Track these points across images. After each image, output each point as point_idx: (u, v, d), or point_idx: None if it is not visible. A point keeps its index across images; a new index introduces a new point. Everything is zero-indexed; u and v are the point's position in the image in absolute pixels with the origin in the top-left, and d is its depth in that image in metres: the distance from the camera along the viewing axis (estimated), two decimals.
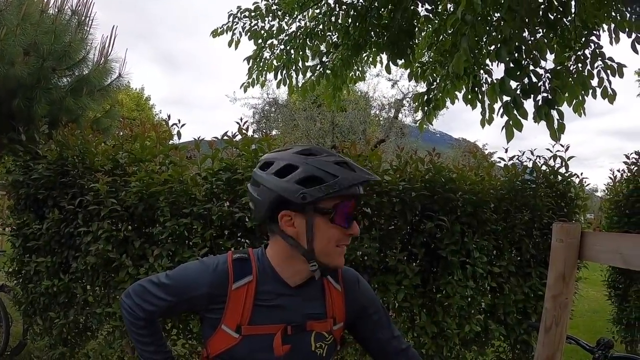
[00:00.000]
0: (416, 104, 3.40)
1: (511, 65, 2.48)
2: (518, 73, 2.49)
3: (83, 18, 5.53)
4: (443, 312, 3.10)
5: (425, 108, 3.31)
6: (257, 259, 1.26)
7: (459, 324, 3.13)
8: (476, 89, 3.04)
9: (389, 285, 3.03)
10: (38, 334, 3.66)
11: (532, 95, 2.52)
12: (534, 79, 2.57)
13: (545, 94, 2.59)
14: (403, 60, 3.47)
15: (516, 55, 2.50)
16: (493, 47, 2.76)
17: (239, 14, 3.99)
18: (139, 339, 1.31)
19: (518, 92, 2.49)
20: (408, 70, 3.68)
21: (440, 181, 3.09)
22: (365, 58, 3.94)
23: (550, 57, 3.12)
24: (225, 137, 3.04)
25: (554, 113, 2.56)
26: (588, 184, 3.67)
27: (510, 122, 2.47)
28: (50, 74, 5.04)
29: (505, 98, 2.55)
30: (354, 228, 1.21)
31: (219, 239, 2.88)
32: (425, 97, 3.29)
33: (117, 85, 5.46)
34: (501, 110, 2.59)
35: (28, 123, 4.47)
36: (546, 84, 2.64)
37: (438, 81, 3.33)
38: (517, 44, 2.49)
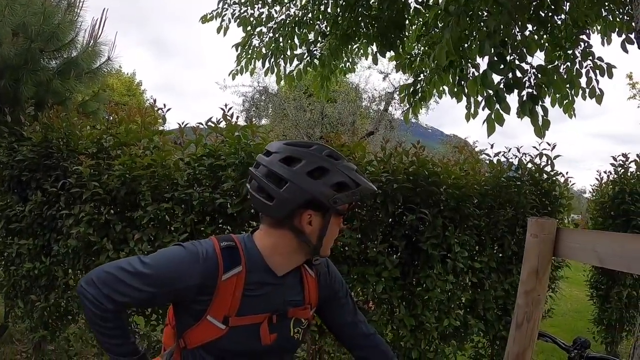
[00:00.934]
0: (402, 95, 3.45)
1: (495, 59, 2.53)
2: (502, 67, 2.54)
3: (73, 0, 5.53)
4: (422, 305, 3.14)
5: (412, 100, 3.36)
6: (244, 247, 1.26)
7: (438, 317, 3.18)
8: (462, 82, 3.08)
9: (368, 277, 3.08)
10: (19, 317, 3.74)
11: (516, 90, 2.57)
12: (519, 74, 2.61)
13: (530, 90, 2.64)
14: (392, 52, 3.51)
15: (501, 49, 2.54)
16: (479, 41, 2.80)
17: (228, 0, 4.01)
18: (103, 331, 1.22)
19: (501, 86, 2.54)
20: (397, 62, 3.72)
21: (424, 174, 3.13)
22: (355, 49, 3.98)
23: (540, 55, 3.18)
24: (210, 124, 3.08)
25: (539, 109, 2.61)
26: (574, 184, 3.75)
27: (492, 116, 2.52)
28: (38, 56, 5.05)
29: (489, 91, 2.59)
30: (342, 223, 1.33)
31: (200, 224, 2.96)
32: (412, 89, 3.34)
33: (106, 68, 5.48)
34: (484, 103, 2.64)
35: (14, 104, 4.51)
36: (531, 80, 2.68)
37: (426, 73, 3.37)
38: (503, 38, 2.53)
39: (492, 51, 2.55)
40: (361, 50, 4.03)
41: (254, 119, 17.45)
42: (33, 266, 3.35)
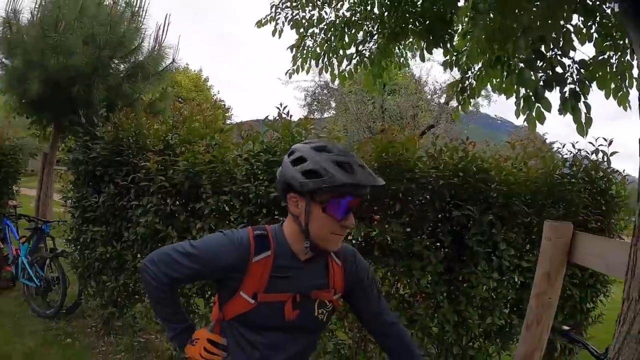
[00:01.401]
0: (451, 92, 3.44)
1: (532, 56, 2.48)
2: (540, 63, 2.49)
3: (136, 9, 5.99)
4: (466, 301, 3.16)
5: (460, 97, 3.36)
6: (274, 235, 1.48)
7: (482, 315, 3.18)
8: (510, 78, 3.04)
9: (413, 270, 3.15)
10: (91, 295, 4.17)
11: (557, 87, 2.50)
12: (560, 70, 2.53)
13: (572, 86, 2.55)
14: (441, 48, 3.53)
15: (539, 45, 2.48)
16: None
17: (280, 4, 4.20)
18: (159, 301, 1.52)
19: (540, 84, 2.48)
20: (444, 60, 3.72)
21: (472, 170, 3.13)
22: (404, 47, 4.03)
23: (583, 48, 3.05)
24: (267, 121, 3.29)
25: (582, 106, 2.52)
26: (630, 182, 3.59)
27: (534, 114, 2.47)
28: (107, 62, 5.57)
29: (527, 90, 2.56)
30: (347, 221, 1.41)
31: (257, 215, 3.20)
32: (460, 86, 3.33)
33: (170, 70, 5.90)
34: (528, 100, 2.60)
35: (87, 107, 5.00)
36: (574, 75, 2.59)
37: (473, 70, 3.34)
38: (540, 33, 2.47)
39: (529, 48, 2.49)
40: (411, 47, 4.09)
41: (315, 113, 17.87)
42: (105, 250, 3.76)
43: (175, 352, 3.97)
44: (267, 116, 3.33)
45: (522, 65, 2.56)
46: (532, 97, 2.45)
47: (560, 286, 1.53)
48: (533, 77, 2.49)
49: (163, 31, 6.14)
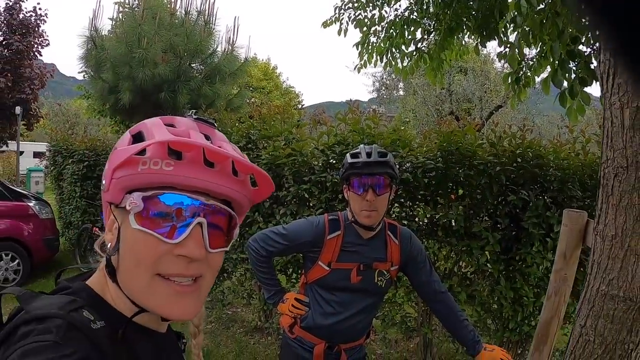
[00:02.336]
0: (506, 83, 3.58)
1: (566, 57, 2.62)
2: (574, 62, 2.62)
3: (208, 17, 6.63)
4: (522, 279, 3.38)
5: (515, 87, 3.50)
6: (344, 219, 1.98)
7: (537, 293, 3.36)
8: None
9: (473, 250, 3.43)
10: None
11: (595, 82, 2.56)
12: (596, 65, 2.57)
13: None
14: (495, 40, 3.73)
15: (573, 46, 2.59)
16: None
17: (343, 6, 4.59)
18: (260, 270, 2.10)
19: (577, 81, 2.61)
20: (499, 52, 3.86)
21: (529, 156, 3.34)
22: (459, 41, 4.25)
23: None
24: (339, 115, 3.75)
25: None
26: None
27: (574, 107, 2.64)
28: (187, 69, 6.27)
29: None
30: (367, 195, 1.84)
31: (333, 201, 3.69)
32: (515, 77, 3.47)
33: (243, 69, 6.54)
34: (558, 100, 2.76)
35: (174, 110, 5.74)
36: None
37: (527, 60, 3.45)
38: (574, 35, 2.57)
39: (565, 49, 2.61)
40: (466, 42, 4.31)
41: (384, 97, 18.21)
42: None
43: (259, 322, 4.58)
44: (339, 112, 3.76)
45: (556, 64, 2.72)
46: (568, 95, 2.65)
47: (574, 265, 1.78)
48: (566, 77, 2.67)
49: (233, 33, 6.79)
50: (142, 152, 0.67)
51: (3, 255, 5.85)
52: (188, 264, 0.69)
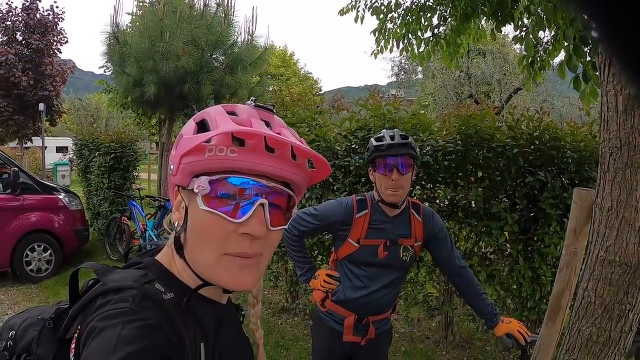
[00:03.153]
0: (521, 66, 3.63)
1: (580, 42, 2.66)
2: (587, 47, 2.66)
3: (227, 8, 6.81)
4: (540, 259, 3.48)
5: (531, 70, 3.53)
6: (370, 198, 2.13)
7: (554, 273, 3.34)
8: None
9: (492, 230, 3.54)
10: None
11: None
12: None
13: None
14: (510, 25, 3.78)
15: (585, 32, 2.58)
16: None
17: None
18: (293, 249, 2.26)
19: (590, 66, 2.65)
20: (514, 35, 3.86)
21: (546, 138, 3.42)
22: (475, 27, 4.30)
23: None
24: (360, 102, 3.89)
25: None
26: None
27: (587, 91, 2.68)
28: (209, 60, 6.43)
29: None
30: (392, 175, 1.99)
31: (357, 185, 3.85)
32: (530, 60, 3.51)
33: (264, 58, 6.72)
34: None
35: (198, 101, 5.94)
36: None
37: (541, 43, 3.48)
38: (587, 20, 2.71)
39: (577, 35, 2.65)
40: (482, 26, 4.36)
41: (402, 83, 18.23)
42: None
43: (286, 304, 4.79)
44: (360, 98, 3.92)
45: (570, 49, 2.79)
46: (581, 79, 2.72)
47: (584, 240, 1.87)
48: (581, 62, 2.74)
49: (252, 23, 6.99)
50: (207, 140, 0.72)
51: (36, 246, 6.11)
52: (251, 242, 0.76)
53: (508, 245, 3.63)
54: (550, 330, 1.95)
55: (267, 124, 0.79)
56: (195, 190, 0.74)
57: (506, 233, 3.56)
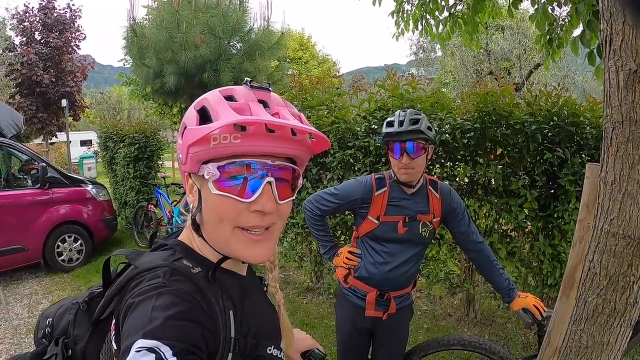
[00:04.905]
0: (539, 45, 3.61)
1: (593, 17, 2.64)
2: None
3: None
4: (560, 236, 3.49)
5: (549, 48, 3.54)
6: (389, 177, 2.19)
7: None
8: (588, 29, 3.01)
9: (512, 207, 3.56)
10: None
11: None
12: None
13: None
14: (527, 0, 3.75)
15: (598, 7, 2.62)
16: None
17: None
18: (316, 228, 2.34)
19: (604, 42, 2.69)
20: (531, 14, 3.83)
21: (564, 114, 3.40)
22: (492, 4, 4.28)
23: None
24: (378, 82, 3.94)
25: None
26: None
27: (602, 66, 2.69)
28: (227, 47, 6.53)
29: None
30: (402, 159, 2.05)
31: (377, 164, 3.91)
32: (548, 37, 3.51)
33: (281, 42, 6.80)
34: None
35: (218, 88, 6.00)
36: None
37: (559, 20, 3.47)
38: None
39: (590, 10, 2.64)
40: (499, 3, 4.32)
41: (422, 61, 18.14)
42: None
43: (311, 283, 4.92)
44: (377, 78, 3.96)
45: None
46: (596, 54, 2.72)
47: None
48: (595, 37, 2.73)
49: (267, 9, 7.08)
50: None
51: (66, 237, 6.33)
52: (262, 217, 0.83)
53: (528, 222, 3.63)
54: (564, 305, 1.96)
55: (265, 104, 0.84)
56: (206, 177, 0.81)
57: (526, 210, 3.56)
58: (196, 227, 0.88)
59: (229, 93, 0.84)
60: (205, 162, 0.82)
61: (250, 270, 1.04)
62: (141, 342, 0.66)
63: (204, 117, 0.82)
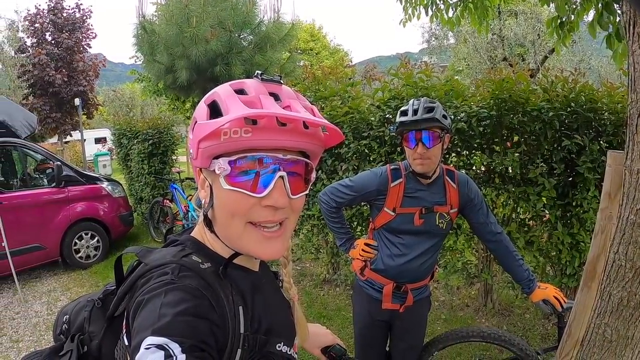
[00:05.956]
0: (550, 29, 3.51)
1: None
2: (618, 4, 2.53)
3: None
4: (579, 225, 3.45)
5: (560, 32, 3.43)
6: (404, 168, 2.16)
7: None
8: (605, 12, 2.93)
9: (530, 196, 3.52)
10: None
11: None
12: None
13: None
14: None
15: None
16: None
17: None
18: (331, 220, 2.33)
19: (622, 24, 2.58)
20: None
21: (582, 100, 3.34)
22: None
23: None
24: (392, 71, 3.92)
25: None
26: None
27: (620, 50, 2.59)
28: (238, 41, 6.54)
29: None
30: (417, 148, 2.01)
31: (392, 154, 3.91)
32: (559, 21, 3.41)
33: (292, 35, 6.79)
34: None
35: (230, 81, 6.03)
36: None
37: (570, 4, 3.35)
38: None
39: None
40: None
41: (434, 49, 18.09)
42: None
43: (327, 275, 4.94)
44: (391, 67, 3.94)
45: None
46: (615, 37, 2.64)
47: (618, 203, 1.84)
48: (612, 20, 2.65)
49: (277, 1, 7.06)
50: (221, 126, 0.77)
51: (83, 234, 6.44)
52: (275, 212, 0.82)
53: (546, 210, 3.59)
54: (585, 296, 1.96)
55: (276, 97, 0.82)
56: (217, 172, 0.80)
57: (544, 198, 3.52)
58: (208, 223, 0.88)
59: (239, 86, 0.83)
60: (216, 157, 0.81)
61: (264, 265, 1.04)
62: (150, 339, 0.66)
63: (215, 111, 0.81)
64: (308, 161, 0.87)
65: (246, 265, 0.93)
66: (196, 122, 0.83)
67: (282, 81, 0.86)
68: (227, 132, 0.77)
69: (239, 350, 0.80)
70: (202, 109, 0.83)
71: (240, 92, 0.82)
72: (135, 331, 0.71)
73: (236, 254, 0.88)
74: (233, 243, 0.86)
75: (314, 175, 0.90)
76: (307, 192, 0.88)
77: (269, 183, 0.80)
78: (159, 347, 0.66)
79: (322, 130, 0.88)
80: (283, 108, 0.80)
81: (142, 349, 0.66)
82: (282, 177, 0.81)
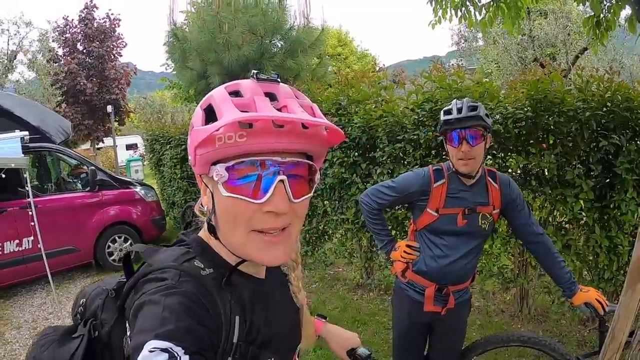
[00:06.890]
0: (586, 28, 3.48)
1: None
2: None
3: None
4: (617, 228, 3.37)
5: (597, 31, 3.41)
6: (447, 168, 2.18)
7: (632, 242, 3.19)
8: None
9: (567, 198, 3.45)
10: None
11: None
12: None
13: None
14: None
15: None
16: None
17: None
18: (373, 222, 2.34)
19: None
20: None
21: (618, 100, 3.27)
22: None
23: None
24: (425, 73, 3.99)
25: None
26: None
27: None
28: (269, 46, 6.69)
29: None
30: (461, 147, 2.04)
31: (427, 157, 3.93)
32: (596, 21, 3.38)
33: (321, 39, 6.91)
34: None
35: None
36: None
37: (605, 2, 3.33)
38: None
39: None
40: None
41: (463, 52, 18.05)
42: None
43: (361, 280, 4.99)
44: (423, 70, 3.98)
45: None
46: None
47: None
48: None
49: (306, 6, 7.19)
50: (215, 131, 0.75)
51: (117, 237, 6.63)
52: (277, 217, 0.79)
53: (583, 213, 3.53)
54: (630, 299, 1.90)
55: (273, 97, 0.79)
56: (215, 179, 0.79)
57: (581, 201, 3.46)
58: (212, 230, 0.87)
59: (234, 88, 0.81)
60: (214, 163, 0.79)
61: (275, 269, 1.03)
62: (154, 343, 0.68)
63: (210, 115, 0.79)
64: (310, 162, 0.85)
65: (251, 272, 0.93)
66: (192, 127, 0.82)
67: (279, 80, 0.83)
68: (221, 137, 0.75)
69: (230, 359, 0.81)
70: (198, 114, 0.82)
71: (235, 94, 0.80)
72: (135, 332, 0.72)
73: (241, 262, 0.88)
74: (236, 250, 0.85)
75: (318, 176, 0.88)
76: (311, 194, 0.86)
77: (269, 188, 0.78)
78: (164, 350, 0.67)
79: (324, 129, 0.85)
80: (280, 108, 0.78)
81: (145, 351, 0.67)
82: (282, 181, 0.79)
